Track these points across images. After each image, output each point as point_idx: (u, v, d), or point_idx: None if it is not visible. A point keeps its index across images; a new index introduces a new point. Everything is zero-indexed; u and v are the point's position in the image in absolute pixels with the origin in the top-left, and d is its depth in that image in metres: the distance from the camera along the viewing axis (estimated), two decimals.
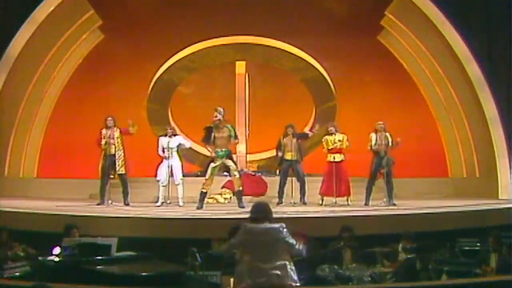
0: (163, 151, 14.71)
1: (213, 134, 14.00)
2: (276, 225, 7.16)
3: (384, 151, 14.59)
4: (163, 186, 14.74)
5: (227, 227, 8.98)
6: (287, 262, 7.13)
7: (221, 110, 14.17)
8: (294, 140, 14.93)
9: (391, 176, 14.65)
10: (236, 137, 14.28)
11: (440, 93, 18.56)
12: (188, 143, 15.10)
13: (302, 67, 18.53)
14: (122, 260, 9.02)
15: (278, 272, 7.00)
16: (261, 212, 7.26)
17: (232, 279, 7.91)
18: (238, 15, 18.34)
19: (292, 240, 7.16)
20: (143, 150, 15.86)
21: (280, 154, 15.03)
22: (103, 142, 14.62)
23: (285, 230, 7.15)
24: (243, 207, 13.52)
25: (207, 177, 14.09)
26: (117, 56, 19.01)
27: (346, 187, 14.86)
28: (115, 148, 14.66)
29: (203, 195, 14.13)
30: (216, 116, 14.01)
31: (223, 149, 14.03)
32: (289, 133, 14.94)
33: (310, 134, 15.65)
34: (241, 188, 14.21)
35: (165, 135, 14.84)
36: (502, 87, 17.16)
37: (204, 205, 14.13)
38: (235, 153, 16.11)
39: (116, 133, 14.71)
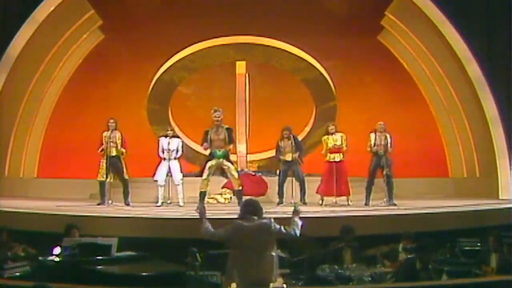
0: (163, 152, 14.72)
1: (209, 135, 13.95)
2: (265, 221, 7.17)
3: (383, 151, 14.59)
4: (161, 186, 14.74)
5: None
6: (273, 258, 7.17)
7: (221, 110, 14.14)
8: (292, 141, 14.89)
9: (391, 177, 14.65)
10: (230, 142, 14.16)
11: (440, 93, 18.58)
12: (180, 151, 15.00)
13: (302, 67, 18.53)
14: (122, 260, 9.03)
15: (265, 269, 7.04)
16: (250, 210, 7.29)
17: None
18: (238, 15, 18.33)
19: (283, 230, 7.22)
20: (143, 150, 15.87)
21: (280, 157, 14.99)
22: (103, 146, 14.61)
23: (273, 224, 7.19)
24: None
25: (204, 177, 14.01)
26: (117, 56, 19.03)
27: (345, 186, 14.84)
28: (116, 150, 14.65)
29: (202, 195, 14.10)
30: (218, 117, 13.94)
31: (221, 150, 13.98)
32: (286, 136, 14.90)
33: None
34: (241, 188, 14.17)
35: (166, 136, 14.84)
36: (502, 86, 17.16)
37: (205, 205, 14.10)
38: (235, 153, 16.11)
39: (118, 135, 14.69)
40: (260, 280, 7.07)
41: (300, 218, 7.58)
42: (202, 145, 14.11)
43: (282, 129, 15.00)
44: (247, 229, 7.14)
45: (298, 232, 7.40)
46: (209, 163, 13.93)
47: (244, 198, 7.70)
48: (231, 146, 14.30)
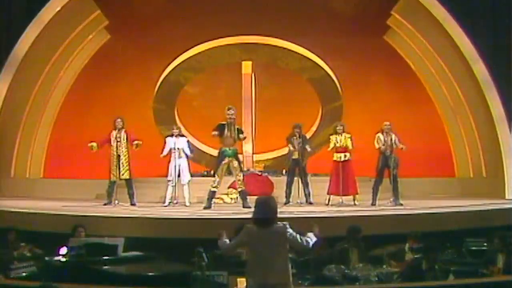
0: (170, 152, 14.70)
1: (225, 131, 13.99)
2: (280, 227, 7.04)
3: (389, 151, 14.57)
4: (172, 186, 14.70)
5: (234, 227, 8.99)
6: (287, 263, 7.08)
7: (235, 109, 14.20)
8: (301, 140, 14.93)
9: (396, 177, 14.62)
10: (238, 138, 14.23)
11: (447, 92, 18.54)
12: (188, 151, 14.98)
13: (308, 67, 18.53)
14: (128, 260, 9.04)
15: (278, 274, 6.95)
16: (266, 212, 7.10)
17: (238, 279, 7.91)
18: (244, 15, 18.33)
19: (298, 239, 7.07)
20: (149, 151, 15.85)
21: (291, 148, 15.00)
22: (94, 143, 14.63)
23: (288, 230, 7.04)
24: (248, 207, 13.46)
25: (217, 178, 14.08)
26: (123, 56, 19.03)
27: (352, 186, 14.85)
28: (122, 150, 14.66)
29: (212, 194, 14.11)
30: (232, 115, 14.00)
31: (231, 148, 14.02)
32: (296, 133, 14.94)
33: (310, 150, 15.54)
34: (243, 188, 14.21)
35: (172, 135, 14.83)
36: (508, 86, 17.09)
37: (212, 205, 14.11)
38: (241, 153, 16.12)
39: (124, 135, 14.70)
40: (277, 285, 6.96)
41: (316, 236, 7.41)
42: (215, 134, 14.08)
43: (293, 126, 15.02)
44: (261, 235, 6.99)
45: (311, 244, 7.23)
46: (221, 164, 13.95)
47: (259, 196, 7.45)
48: (243, 137, 14.34)
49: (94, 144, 14.66)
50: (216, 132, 14.02)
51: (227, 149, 14.01)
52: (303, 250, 7.41)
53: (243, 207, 13.85)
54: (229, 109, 14.04)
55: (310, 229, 7.39)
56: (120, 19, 18.57)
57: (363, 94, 19.19)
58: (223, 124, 14.02)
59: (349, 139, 14.85)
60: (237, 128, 14.18)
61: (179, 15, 18.49)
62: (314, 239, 7.25)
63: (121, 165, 14.69)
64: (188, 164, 14.96)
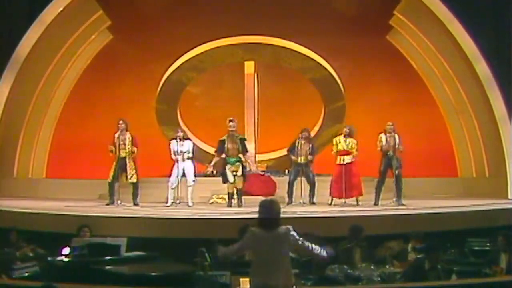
0: (175, 155, 14.69)
1: (226, 145, 14.26)
2: (283, 230, 7.03)
3: (392, 152, 14.54)
4: (172, 188, 14.70)
5: (236, 227, 8.98)
6: (290, 265, 7.07)
7: (236, 120, 14.43)
8: (307, 145, 14.91)
9: (400, 177, 14.60)
10: (245, 151, 14.55)
11: (449, 92, 18.54)
12: (191, 153, 15.01)
13: (311, 67, 18.48)
14: (131, 260, 9.01)
15: (281, 276, 6.94)
16: (269, 214, 7.10)
17: (241, 279, 7.91)
18: (247, 14, 18.34)
19: (301, 242, 7.06)
20: (152, 151, 15.86)
21: (292, 157, 14.99)
22: (113, 147, 14.61)
23: (292, 233, 7.02)
24: (230, 205, 14.21)
25: (231, 181, 14.31)
26: (125, 56, 19.05)
27: (356, 188, 14.80)
28: (125, 152, 14.63)
29: (231, 195, 14.47)
30: (234, 127, 14.36)
31: (234, 157, 14.33)
32: (303, 137, 14.92)
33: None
34: (240, 187, 14.48)
35: (176, 139, 14.79)
36: (511, 85, 17.09)
37: (238, 203, 14.45)
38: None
39: (128, 136, 14.67)
40: (280, 286, 6.95)
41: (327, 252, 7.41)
42: (216, 153, 14.36)
43: (301, 130, 15.03)
44: (264, 237, 6.97)
45: (315, 250, 7.19)
46: (227, 168, 14.29)
47: (262, 199, 7.47)
48: (247, 154, 14.68)
49: (113, 147, 14.66)
50: (222, 155, 14.37)
51: (230, 158, 14.31)
52: (308, 255, 7.35)
53: (227, 205, 14.40)
54: (230, 121, 14.38)
55: (313, 231, 7.39)
56: (123, 19, 18.59)
57: (365, 94, 19.17)
58: (223, 140, 14.30)
59: (355, 145, 14.80)
60: (240, 138, 14.52)
61: (181, 15, 18.51)
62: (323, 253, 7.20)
63: (128, 168, 14.67)
64: (194, 166, 14.98)
